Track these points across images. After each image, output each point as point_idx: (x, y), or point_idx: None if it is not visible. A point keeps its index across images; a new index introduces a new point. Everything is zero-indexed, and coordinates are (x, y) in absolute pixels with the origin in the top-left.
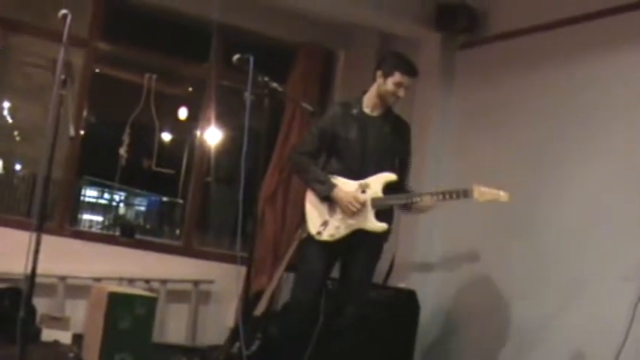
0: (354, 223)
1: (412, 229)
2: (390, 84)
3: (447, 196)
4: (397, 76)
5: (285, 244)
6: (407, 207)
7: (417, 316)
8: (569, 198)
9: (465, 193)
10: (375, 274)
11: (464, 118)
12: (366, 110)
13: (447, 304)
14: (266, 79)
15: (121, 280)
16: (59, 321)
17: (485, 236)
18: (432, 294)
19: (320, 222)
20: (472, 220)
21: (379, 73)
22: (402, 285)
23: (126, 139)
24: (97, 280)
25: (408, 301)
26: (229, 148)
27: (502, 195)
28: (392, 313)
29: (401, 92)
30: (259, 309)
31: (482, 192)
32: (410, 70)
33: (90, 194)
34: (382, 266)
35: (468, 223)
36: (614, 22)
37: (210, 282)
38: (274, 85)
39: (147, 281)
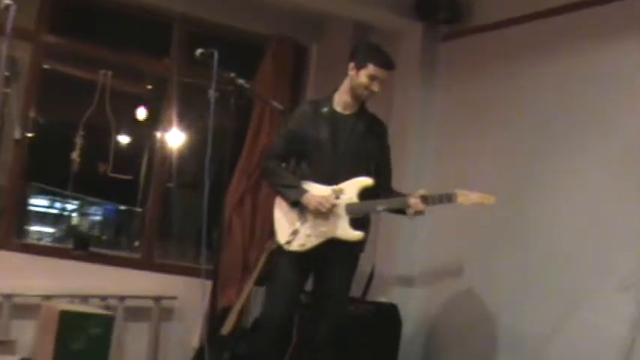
0: (326, 231)
1: (392, 239)
2: (363, 77)
3: (430, 201)
4: (371, 68)
5: (255, 255)
6: (401, 210)
7: (398, 331)
8: (563, 204)
9: (449, 198)
10: (352, 287)
11: (447, 117)
12: (337, 108)
13: (431, 319)
14: (232, 75)
15: (73, 297)
16: (5, 344)
17: (471, 246)
18: (415, 308)
19: (290, 231)
20: (457, 229)
21: (351, 65)
22: (382, 299)
23: (78, 141)
24: (47, 297)
25: (389, 315)
26: (193, 151)
27: (488, 198)
28: (371, 329)
29: (375, 86)
30: (227, 327)
31: (467, 196)
32: (385, 62)
33: (39, 203)
34: (361, 279)
35: (453, 232)
36: (612, 9)
37: (173, 298)
38: (241, 81)
39: (103, 298)
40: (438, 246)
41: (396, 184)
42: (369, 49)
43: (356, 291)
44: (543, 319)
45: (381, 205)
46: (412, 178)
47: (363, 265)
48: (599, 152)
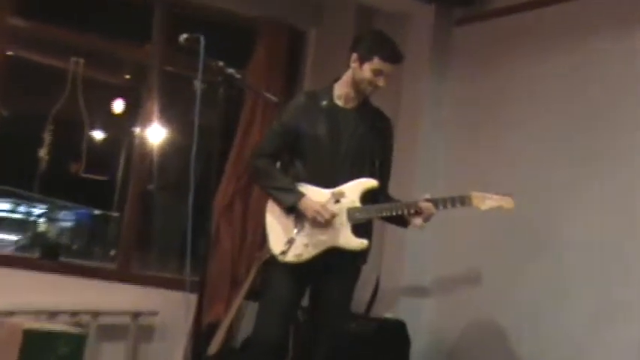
0: (326, 240)
1: (399, 247)
2: (366, 71)
3: (441, 205)
4: (376, 62)
5: (245, 266)
6: (401, 219)
7: (407, 351)
8: (596, 206)
9: (463, 201)
10: (355, 302)
11: (462, 111)
12: (338, 102)
13: (444, 338)
14: (220, 63)
15: (39, 313)
16: None
17: (489, 256)
18: (425, 326)
19: (284, 240)
20: (474, 236)
21: (354, 56)
22: (388, 315)
23: (47, 137)
24: (10, 314)
25: (396, 334)
26: (176, 148)
27: (506, 201)
28: (377, 349)
29: (380, 81)
30: (214, 346)
31: (482, 199)
32: (393, 55)
33: (1, 207)
34: (364, 292)
35: (469, 239)
36: None
37: (153, 314)
38: (231, 70)
39: (73, 314)
40: (452, 255)
41: (404, 187)
42: (375, 39)
43: (359, 306)
44: (572, 338)
45: (386, 211)
46: (422, 179)
47: (367, 276)
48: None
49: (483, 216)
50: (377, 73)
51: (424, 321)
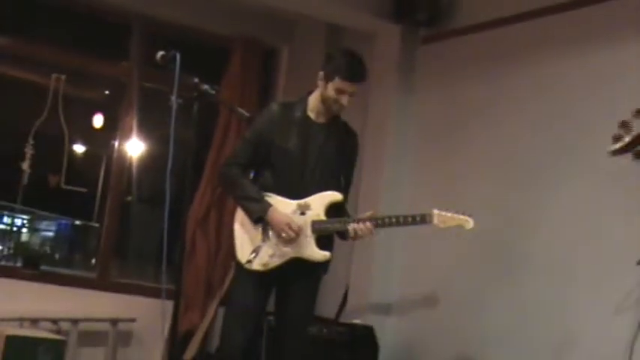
0: (289, 251)
1: (367, 263)
2: (330, 90)
3: (402, 221)
4: (337, 82)
5: (220, 273)
6: (341, 233)
7: (375, 356)
8: (557, 221)
9: (423, 218)
10: (325, 308)
11: (428, 127)
12: (311, 115)
13: (412, 346)
14: (196, 80)
15: (22, 320)
16: None
17: (456, 271)
18: (393, 332)
19: (251, 248)
20: (440, 251)
21: (321, 74)
22: (357, 321)
23: (29, 151)
24: None
25: (365, 338)
26: (153, 161)
27: (467, 221)
28: (346, 353)
29: (344, 100)
30: (190, 352)
31: (443, 217)
32: (353, 75)
33: None
34: (334, 300)
35: (436, 254)
36: (607, 7)
37: (131, 320)
38: (205, 87)
39: (54, 321)
40: (419, 270)
41: (371, 202)
42: (340, 58)
43: (329, 312)
44: (537, 350)
45: (347, 223)
46: (387, 195)
47: (337, 284)
48: (599, 163)
49: (453, 236)
50: (339, 92)
51: (392, 328)
